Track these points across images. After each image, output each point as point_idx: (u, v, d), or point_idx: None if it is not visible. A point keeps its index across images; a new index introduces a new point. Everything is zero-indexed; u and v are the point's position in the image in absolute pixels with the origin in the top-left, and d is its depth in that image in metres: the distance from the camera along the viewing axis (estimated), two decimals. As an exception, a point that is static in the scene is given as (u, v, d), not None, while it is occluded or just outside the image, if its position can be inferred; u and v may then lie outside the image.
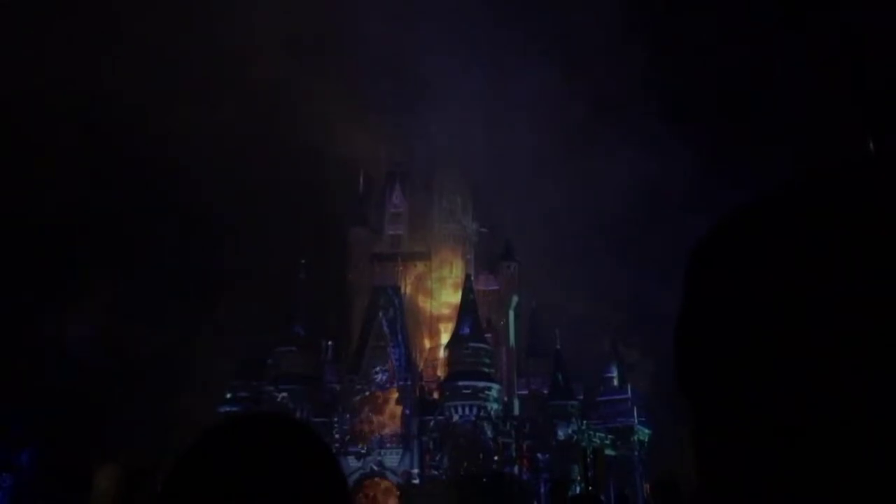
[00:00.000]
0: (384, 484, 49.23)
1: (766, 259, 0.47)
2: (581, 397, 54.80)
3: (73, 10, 52.50)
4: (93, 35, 53.68)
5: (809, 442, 0.45)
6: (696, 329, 0.51)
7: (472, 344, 52.13)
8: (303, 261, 57.15)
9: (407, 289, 59.13)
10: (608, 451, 50.01)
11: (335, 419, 50.59)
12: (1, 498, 44.72)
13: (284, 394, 51.33)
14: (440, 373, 54.64)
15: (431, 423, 50.39)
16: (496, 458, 48.80)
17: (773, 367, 0.46)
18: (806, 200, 0.48)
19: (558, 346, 55.60)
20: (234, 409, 52.50)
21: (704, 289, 0.51)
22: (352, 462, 49.07)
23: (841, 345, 0.44)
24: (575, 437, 51.16)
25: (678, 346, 0.53)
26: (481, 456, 47.92)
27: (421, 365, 55.51)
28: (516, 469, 49.38)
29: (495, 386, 52.05)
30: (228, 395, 53.23)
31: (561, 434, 51.77)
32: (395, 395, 51.45)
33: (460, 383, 50.57)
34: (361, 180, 63.80)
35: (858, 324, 0.43)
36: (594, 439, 50.58)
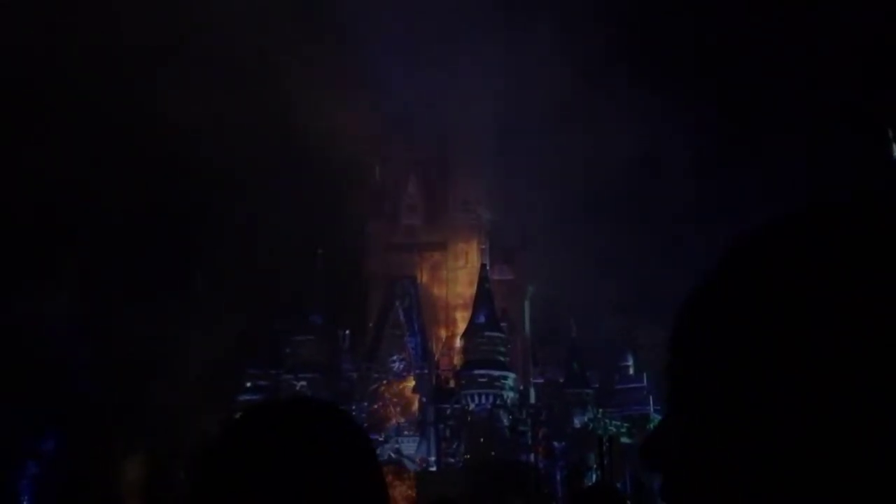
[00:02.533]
0: (401, 471, 49.72)
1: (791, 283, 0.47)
2: (596, 385, 54.94)
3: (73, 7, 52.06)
4: (93, 27, 53.28)
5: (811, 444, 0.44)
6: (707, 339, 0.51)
7: (487, 333, 52.38)
8: (319, 251, 57.54)
9: (423, 278, 59.44)
10: (624, 439, 50.25)
11: (352, 407, 51.06)
12: (27, 485, 45.65)
13: (303, 382, 51.88)
14: (456, 361, 54.95)
15: (448, 411, 50.77)
16: (512, 445, 49.10)
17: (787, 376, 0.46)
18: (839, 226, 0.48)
19: (574, 335, 55.72)
20: (253, 397, 53.14)
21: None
22: (369, 450, 49.55)
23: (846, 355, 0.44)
24: (591, 425, 51.37)
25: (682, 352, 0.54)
26: (497, 444, 48.24)
27: (437, 354, 55.85)
28: (532, 457, 49.66)
29: (511, 374, 52.30)
30: (248, 384, 53.84)
31: (577, 422, 51.97)
32: (412, 383, 51.86)
33: (476, 372, 50.86)
34: (377, 171, 64.05)
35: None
36: (610, 427, 50.75)
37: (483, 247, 60.40)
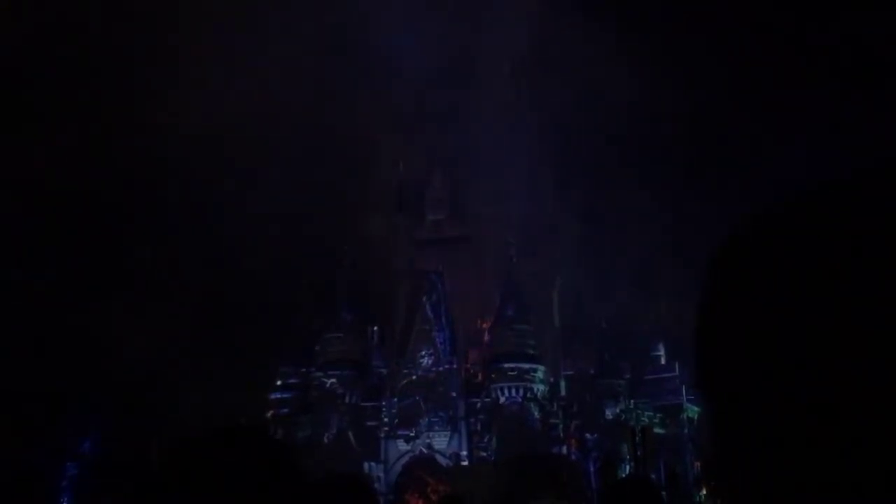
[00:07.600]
0: (434, 467, 49.75)
1: (791, 264, 0.47)
2: (628, 376, 54.47)
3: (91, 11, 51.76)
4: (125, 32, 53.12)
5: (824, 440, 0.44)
6: (720, 330, 0.51)
7: (516, 325, 52.14)
8: (346, 247, 57.67)
9: (450, 272, 59.29)
10: (657, 430, 49.79)
11: (383, 403, 51.27)
12: (66, 486, 46.46)
13: (333, 379, 52.14)
14: (485, 355, 54.81)
15: (478, 405, 50.70)
16: (544, 438, 48.88)
17: (797, 368, 0.45)
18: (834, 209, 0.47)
19: (604, 325, 55.26)
20: (285, 395, 53.67)
21: (729, 291, 0.51)
22: (401, 445, 49.71)
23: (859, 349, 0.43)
24: (623, 416, 50.97)
25: (700, 346, 0.53)
26: (529, 437, 48.05)
27: (466, 348, 55.75)
28: (564, 449, 49.41)
29: (541, 367, 52.03)
30: (279, 382, 54.31)
31: (609, 413, 51.59)
32: (442, 377, 51.85)
33: (505, 365, 50.69)
34: (402, 166, 64.00)
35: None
36: (642, 418, 50.32)
37: (510, 238, 60.03)
